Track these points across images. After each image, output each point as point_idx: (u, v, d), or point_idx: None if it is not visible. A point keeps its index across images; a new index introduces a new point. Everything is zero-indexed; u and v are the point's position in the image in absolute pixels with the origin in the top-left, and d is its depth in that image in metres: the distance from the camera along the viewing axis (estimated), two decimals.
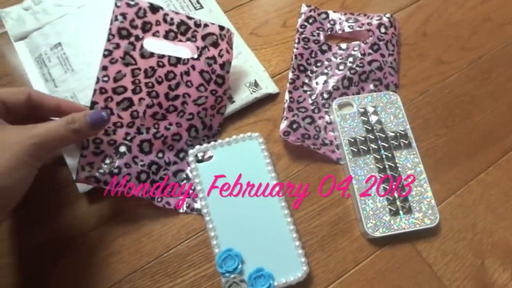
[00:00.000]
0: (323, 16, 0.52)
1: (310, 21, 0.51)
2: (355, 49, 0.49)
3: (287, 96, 0.45)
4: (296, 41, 0.49)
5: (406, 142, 0.43)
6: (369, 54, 0.48)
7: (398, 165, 0.42)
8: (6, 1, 0.50)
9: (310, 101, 0.46)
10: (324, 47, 0.49)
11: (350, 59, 0.48)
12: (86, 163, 0.38)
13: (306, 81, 0.47)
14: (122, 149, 0.40)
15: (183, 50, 0.44)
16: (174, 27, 0.42)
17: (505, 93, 0.49)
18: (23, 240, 0.39)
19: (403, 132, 0.44)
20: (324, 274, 0.39)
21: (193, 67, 0.43)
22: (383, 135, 0.43)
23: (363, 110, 0.45)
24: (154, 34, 0.41)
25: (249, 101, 0.46)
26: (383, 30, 0.49)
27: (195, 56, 0.43)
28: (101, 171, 0.38)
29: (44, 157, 0.33)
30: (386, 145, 0.43)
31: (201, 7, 0.50)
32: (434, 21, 0.54)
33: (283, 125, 0.43)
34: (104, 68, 0.40)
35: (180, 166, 0.42)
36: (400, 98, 0.46)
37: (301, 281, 0.37)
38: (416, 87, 0.49)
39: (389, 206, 0.40)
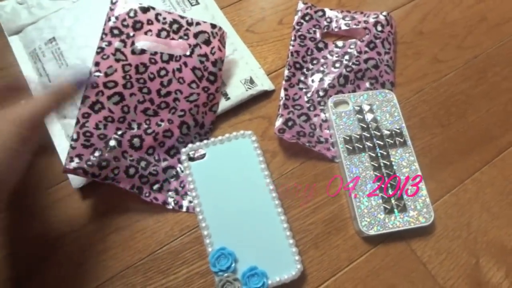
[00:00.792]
0: (320, 13, 0.51)
1: (307, 18, 0.50)
2: (351, 47, 0.48)
3: (282, 93, 0.45)
4: (292, 38, 0.49)
5: (402, 140, 0.43)
6: (365, 52, 0.48)
7: (393, 163, 0.42)
8: None
9: (306, 99, 0.46)
10: (320, 45, 0.49)
11: (346, 57, 0.48)
12: (75, 154, 0.38)
13: (302, 78, 0.47)
14: (112, 143, 0.40)
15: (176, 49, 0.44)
16: (166, 26, 0.44)
17: (500, 92, 0.49)
18: (15, 235, 0.38)
19: (398, 131, 0.44)
20: (318, 272, 0.39)
21: (185, 64, 0.43)
22: (379, 133, 0.43)
23: (358, 108, 0.44)
24: (146, 33, 0.43)
25: (245, 98, 0.45)
26: (379, 28, 0.49)
27: (188, 53, 0.43)
28: (90, 163, 0.38)
29: (34, 136, 0.32)
30: (382, 143, 0.43)
31: (197, 3, 0.50)
32: (430, 20, 0.54)
33: (278, 122, 0.43)
34: (96, 64, 0.41)
35: (170, 163, 0.42)
36: (396, 96, 0.46)
37: (295, 279, 0.37)
38: (412, 86, 0.49)
39: (383, 204, 0.40)
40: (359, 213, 0.39)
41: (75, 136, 0.39)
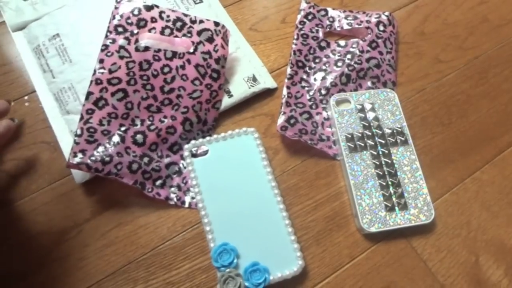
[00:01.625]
0: (322, 13, 0.52)
1: (309, 17, 0.51)
2: (354, 46, 0.49)
3: (285, 91, 0.45)
4: (295, 37, 0.49)
5: (403, 139, 0.43)
6: (368, 51, 0.48)
7: (394, 161, 0.42)
8: None
9: (308, 97, 0.46)
10: (323, 44, 0.50)
11: (349, 56, 0.48)
12: (78, 150, 0.38)
13: (304, 77, 0.47)
14: (116, 138, 0.40)
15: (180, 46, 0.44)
16: (170, 24, 0.44)
17: (501, 93, 0.49)
18: (17, 230, 0.39)
19: (399, 129, 0.44)
20: (319, 268, 0.39)
21: (188, 61, 0.43)
22: (380, 132, 0.44)
23: (360, 106, 0.45)
24: (149, 30, 0.44)
25: (247, 95, 0.46)
26: (381, 28, 0.49)
27: (191, 50, 0.44)
28: (93, 158, 0.38)
29: None
30: (383, 141, 0.43)
31: (201, 1, 0.50)
32: (432, 21, 0.54)
33: (281, 120, 0.43)
34: (101, 61, 0.41)
35: (173, 159, 0.42)
36: (397, 95, 0.46)
37: (297, 275, 0.37)
38: (413, 85, 0.49)
39: (384, 202, 0.40)
40: (361, 211, 0.40)
41: (79, 132, 0.39)
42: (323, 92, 0.46)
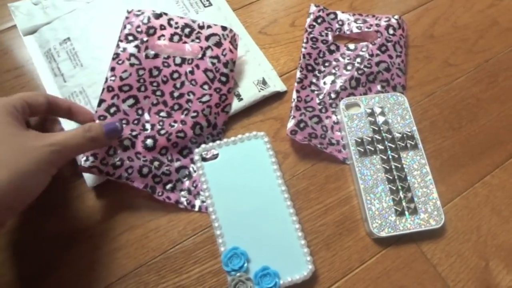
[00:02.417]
0: (332, 16, 0.52)
1: (319, 21, 0.51)
2: (363, 49, 0.49)
3: (294, 95, 0.46)
4: (305, 40, 0.49)
5: (413, 143, 0.43)
6: (377, 55, 0.48)
7: (404, 166, 0.42)
8: None
9: (318, 101, 0.46)
10: (332, 47, 0.50)
11: (358, 59, 0.48)
12: (90, 153, 0.39)
13: (314, 80, 0.47)
14: (126, 143, 0.40)
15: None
16: (178, 30, 0.45)
17: (511, 96, 0.49)
18: (30, 233, 0.39)
19: (409, 133, 0.44)
20: (329, 272, 0.39)
21: (197, 66, 0.44)
22: (390, 136, 0.44)
23: (370, 110, 0.45)
24: (159, 38, 0.44)
25: (257, 99, 0.46)
26: (391, 31, 0.49)
27: (199, 55, 0.44)
28: (104, 162, 0.38)
29: (61, 164, 0.33)
30: (393, 145, 0.43)
31: (210, 4, 0.50)
32: (441, 24, 0.54)
33: (290, 124, 0.43)
34: (112, 69, 0.42)
35: (183, 163, 0.42)
36: (407, 99, 0.46)
37: (307, 280, 0.37)
38: (423, 89, 0.49)
39: (394, 207, 0.40)
40: (370, 215, 0.40)
41: None
42: (333, 96, 0.46)
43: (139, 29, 0.44)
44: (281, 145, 0.45)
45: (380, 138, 0.43)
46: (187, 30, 0.45)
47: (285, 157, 0.44)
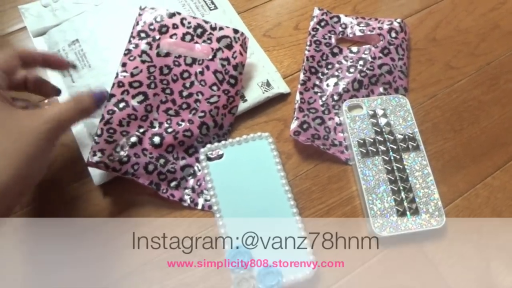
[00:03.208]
0: (335, 19, 0.53)
1: (322, 24, 0.52)
2: (366, 52, 0.49)
3: (298, 97, 0.46)
4: (308, 43, 0.50)
5: (415, 144, 0.44)
6: (380, 57, 0.49)
7: (406, 167, 0.43)
8: None
9: (321, 103, 0.47)
10: (335, 50, 0.50)
11: (361, 62, 0.49)
12: (98, 149, 0.39)
13: (317, 82, 0.48)
14: (134, 139, 0.41)
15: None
16: (191, 30, 0.45)
17: None
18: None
19: (411, 135, 0.44)
20: (331, 272, 0.39)
21: (207, 67, 0.44)
22: (392, 137, 0.44)
23: (372, 112, 0.45)
24: (171, 36, 0.45)
25: (261, 100, 0.46)
26: (393, 34, 0.50)
27: (210, 57, 0.45)
28: (111, 158, 0.39)
29: (58, 138, 0.33)
30: (395, 147, 0.44)
31: (216, 7, 0.51)
32: (444, 27, 0.54)
33: (294, 125, 0.44)
34: (123, 64, 0.43)
35: (188, 162, 0.43)
36: (409, 101, 0.46)
37: (309, 278, 0.38)
38: (425, 91, 0.50)
39: (396, 207, 0.41)
40: (372, 215, 0.40)
41: (99, 132, 0.40)
42: (336, 97, 0.47)
43: (152, 27, 0.44)
44: (285, 145, 0.45)
45: (382, 139, 0.44)
46: (199, 31, 0.45)
47: (288, 157, 0.45)
